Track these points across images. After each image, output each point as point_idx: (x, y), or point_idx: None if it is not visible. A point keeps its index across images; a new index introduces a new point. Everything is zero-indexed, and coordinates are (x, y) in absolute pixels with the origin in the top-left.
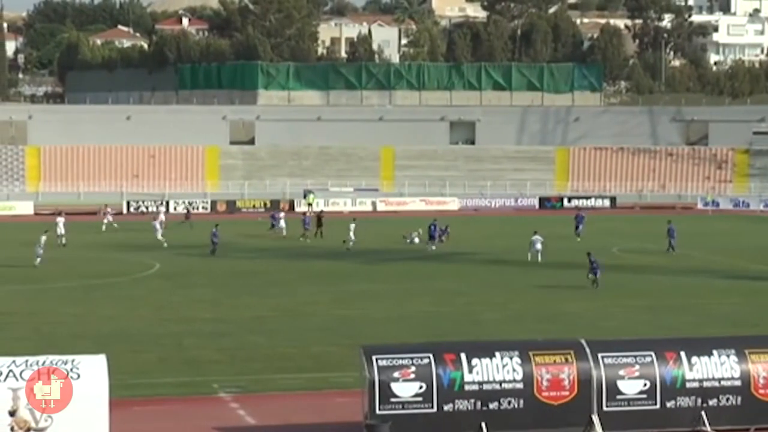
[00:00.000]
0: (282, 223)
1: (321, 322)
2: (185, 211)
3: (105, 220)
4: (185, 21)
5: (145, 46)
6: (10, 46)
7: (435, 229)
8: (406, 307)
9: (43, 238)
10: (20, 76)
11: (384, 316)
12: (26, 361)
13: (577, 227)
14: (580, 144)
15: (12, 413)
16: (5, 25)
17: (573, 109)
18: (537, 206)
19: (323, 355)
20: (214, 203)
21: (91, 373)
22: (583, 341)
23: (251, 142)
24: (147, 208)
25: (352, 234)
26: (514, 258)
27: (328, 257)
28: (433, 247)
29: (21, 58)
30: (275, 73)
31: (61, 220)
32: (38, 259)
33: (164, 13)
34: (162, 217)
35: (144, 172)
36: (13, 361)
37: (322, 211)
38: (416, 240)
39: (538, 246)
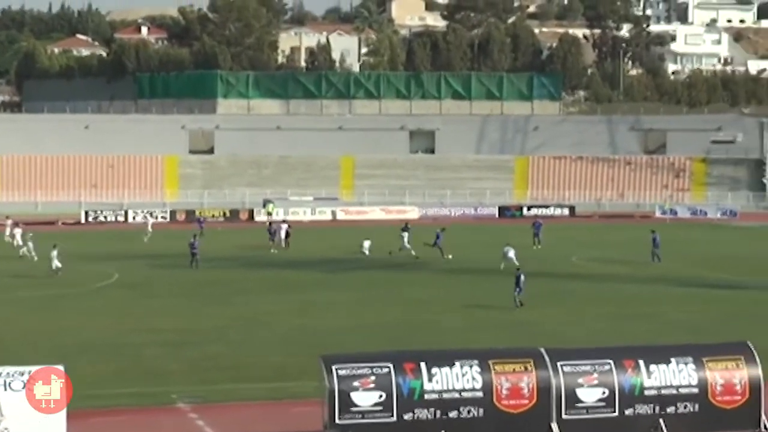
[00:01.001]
0: (283, 233)
1: (282, 332)
2: (145, 220)
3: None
4: (144, 30)
5: (104, 54)
6: None
7: (440, 238)
8: (367, 316)
9: (54, 252)
10: None
11: (345, 326)
12: None
13: (535, 235)
14: (540, 153)
15: None
16: None
17: (532, 119)
18: (497, 215)
19: (283, 364)
20: (173, 213)
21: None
22: (542, 350)
23: (211, 151)
24: (105, 217)
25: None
26: (475, 266)
27: (290, 267)
28: (450, 256)
29: None
30: (235, 82)
31: (18, 231)
32: (59, 271)
33: (123, 22)
34: (150, 228)
35: (103, 181)
36: None
37: (285, 220)
38: (366, 252)
39: (511, 254)
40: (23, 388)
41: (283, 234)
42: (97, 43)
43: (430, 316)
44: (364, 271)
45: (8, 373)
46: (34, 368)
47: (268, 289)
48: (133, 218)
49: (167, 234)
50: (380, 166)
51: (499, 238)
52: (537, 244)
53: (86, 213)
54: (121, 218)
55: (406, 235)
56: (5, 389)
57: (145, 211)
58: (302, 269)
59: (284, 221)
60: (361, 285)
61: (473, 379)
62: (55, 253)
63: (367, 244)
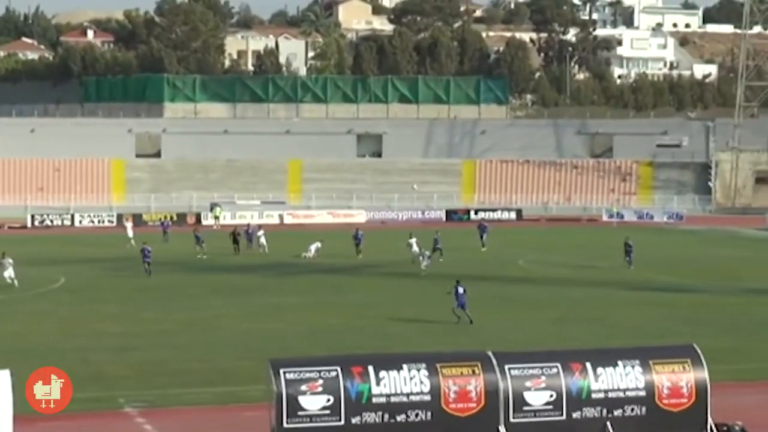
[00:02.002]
0: (262, 239)
1: (229, 336)
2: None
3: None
4: (90, 33)
5: (50, 58)
6: None
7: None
8: (315, 320)
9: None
10: None
11: (293, 330)
12: None
13: (481, 237)
14: (487, 156)
15: None
16: None
17: (479, 122)
18: (444, 218)
19: (231, 369)
20: (120, 216)
21: None
22: (489, 353)
23: (157, 155)
24: (52, 221)
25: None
26: (419, 270)
27: (238, 271)
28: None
29: None
30: (181, 86)
31: None
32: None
33: (69, 25)
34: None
35: (49, 185)
36: None
37: (260, 225)
38: (311, 254)
39: (415, 249)
40: None
41: (263, 240)
42: (43, 47)
43: (376, 321)
44: (311, 275)
45: None
46: None
47: (214, 293)
48: (80, 222)
49: (114, 238)
50: (327, 170)
51: (446, 241)
52: (483, 246)
53: (32, 217)
54: (67, 222)
55: (414, 241)
56: None
57: (123, 216)
58: (249, 273)
59: (259, 226)
60: (309, 289)
61: (421, 382)
62: (9, 261)
63: (314, 247)
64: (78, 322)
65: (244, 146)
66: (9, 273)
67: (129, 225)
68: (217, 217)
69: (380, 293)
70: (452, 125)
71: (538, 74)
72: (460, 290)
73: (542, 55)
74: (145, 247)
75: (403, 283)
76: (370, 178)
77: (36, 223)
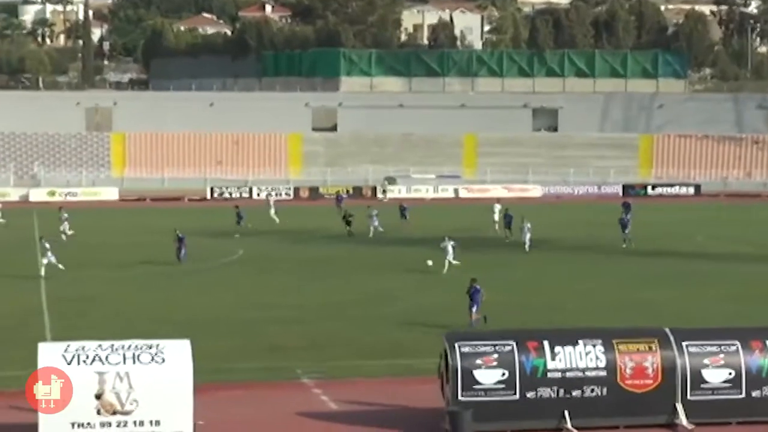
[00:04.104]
0: (375, 221)
1: (402, 309)
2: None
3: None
4: (268, 8)
5: (229, 33)
6: (96, 33)
7: (511, 218)
8: (489, 295)
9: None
10: (105, 63)
11: (465, 305)
12: (112, 345)
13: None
14: (664, 131)
15: (98, 396)
16: (91, 12)
17: (657, 96)
18: (620, 193)
19: (405, 341)
20: (296, 190)
21: (176, 357)
22: (667, 330)
23: (333, 128)
24: (230, 194)
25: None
26: (598, 245)
27: (410, 244)
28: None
29: (106, 45)
30: (357, 60)
31: (65, 215)
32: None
33: (248, 0)
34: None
35: (227, 158)
36: (99, 345)
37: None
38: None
39: (449, 249)
40: (151, 360)
41: (376, 222)
42: (222, 22)
43: (545, 297)
44: (486, 249)
45: (137, 346)
46: (161, 342)
47: (388, 266)
48: (257, 195)
49: (291, 211)
50: (503, 144)
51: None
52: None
53: (212, 189)
54: (245, 194)
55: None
56: (134, 362)
57: (268, 188)
58: (422, 247)
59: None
60: (480, 265)
61: (597, 358)
62: (47, 245)
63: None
64: (254, 293)
65: (420, 120)
66: (47, 259)
67: (272, 200)
68: (385, 191)
69: (553, 269)
70: (629, 99)
71: (717, 47)
72: (480, 291)
73: (722, 27)
74: (179, 235)
75: (575, 259)
76: (546, 152)
77: (215, 195)
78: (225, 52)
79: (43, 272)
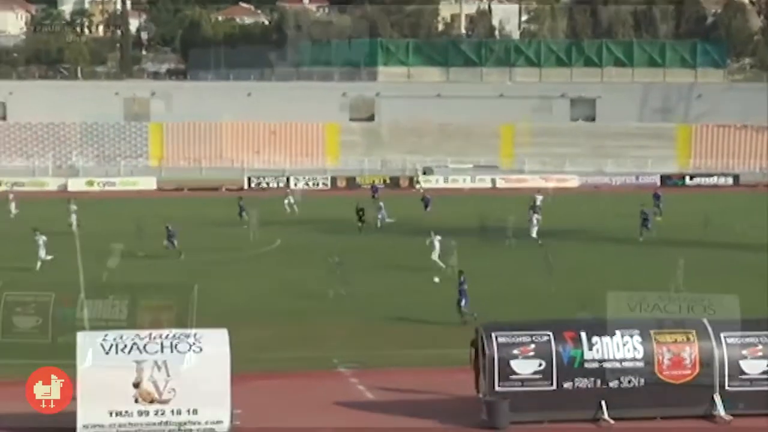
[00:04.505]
0: (383, 212)
1: (440, 300)
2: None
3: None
4: None
5: (266, 22)
6: (134, 24)
7: (649, 215)
8: (525, 285)
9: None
10: (143, 53)
11: (502, 294)
12: (150, 334)
13: (657, 206)
14: (703, 121)
15: (136, 385)
16: (129, 2)
17: (695, 86)
18: (659, 183)
19: (442, 332)
20: (334, 179)
21: (213, 346)
22: (705, 321)
23: (371, 118)
24: (267, 184)
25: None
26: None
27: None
28: (658, 218)
29: (144, 35)
30: (395, 50)
31: (73, 207)
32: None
33: None
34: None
35: (265, 148)
36: (137, 334)
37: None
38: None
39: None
40: (189, 349)
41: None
42: (259, 11)
43: (587, 286)
44: (521, 240)
45: (174, 335)
46: (199, 331)
47: (423, 256)
48: (295, 185)
49: (328, 201)
50: (540, 134)
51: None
52: (658, 215)
53: (249, 179)
54: (282, 184)
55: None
56: (172, 351)
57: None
58: (459, 236)
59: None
60: (518, 253)
61: (634, 348)
62: (43, 238)
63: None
64: (292, 282)
65: (457, 110)
66: (42, 253)
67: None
68: (419, 182)
69: (586, 258)
70: (667, 89)
71: (757, 37)
72: (465, 285)
73: (762, 17)
74: (169, 229)
75: (608, 249)
76: (584, 142)
77: (252, 185)
78: (262, 42)
79: (38, 266)
